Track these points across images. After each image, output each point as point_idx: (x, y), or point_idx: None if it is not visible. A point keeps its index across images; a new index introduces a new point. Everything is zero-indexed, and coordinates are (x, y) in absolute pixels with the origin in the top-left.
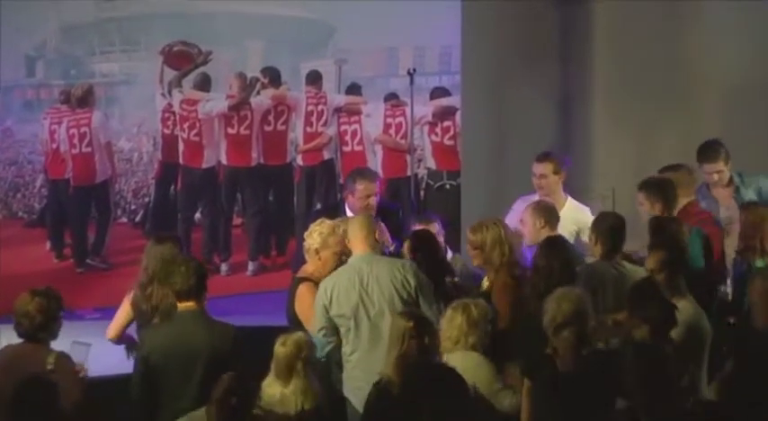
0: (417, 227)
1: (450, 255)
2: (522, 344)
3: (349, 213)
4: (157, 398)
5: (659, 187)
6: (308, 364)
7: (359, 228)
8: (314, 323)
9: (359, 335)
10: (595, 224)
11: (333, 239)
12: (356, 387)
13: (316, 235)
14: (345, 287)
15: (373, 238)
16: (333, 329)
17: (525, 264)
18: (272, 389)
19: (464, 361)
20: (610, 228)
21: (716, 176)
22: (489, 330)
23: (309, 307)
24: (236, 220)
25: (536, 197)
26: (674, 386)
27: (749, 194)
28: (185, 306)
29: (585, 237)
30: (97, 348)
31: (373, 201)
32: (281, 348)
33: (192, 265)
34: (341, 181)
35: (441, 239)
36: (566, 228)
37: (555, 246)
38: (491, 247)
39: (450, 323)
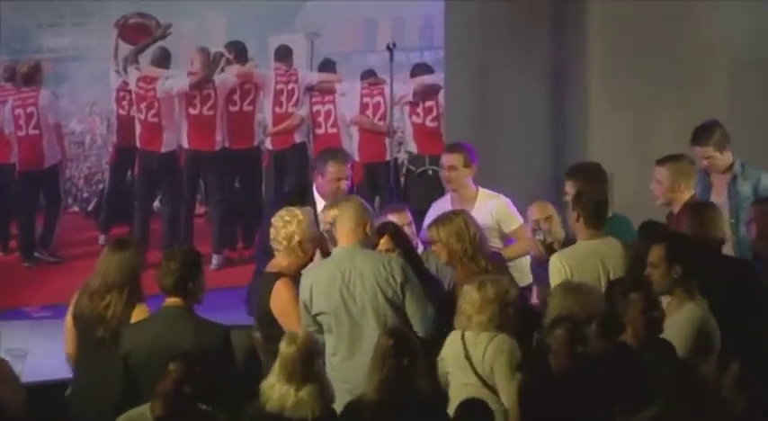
0: (389, 216)
1: (420, 248)
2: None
3: (317, 197)
4: (138, 400)
5: (587, 172)
6: (323, 364)
7: (348, 217)
8: (302, 321)
9: (340, 335)
10: (577, 199)
11: (310, 226)
12: (335, 388)
13: (296, 224)
14: (326, 283)
15: (363, 231)
16: (320, 326)
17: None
18: (276, 392)
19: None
20: (593, 201)
21: (705, 162)
22: (510, 312)
23: (287, 303)
24: (199, 209)
25: (449, 198)
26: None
27: (745, 187)
28: (171, 302)
29: (512, 226)
30: (48, 350)
31: (344, 184)
32: (292, 348)
33: (178, 260)
34: (313, 166)
35: (413, 229)
36: (485, 221)
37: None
38: (447, 240)
39: (464, 298)
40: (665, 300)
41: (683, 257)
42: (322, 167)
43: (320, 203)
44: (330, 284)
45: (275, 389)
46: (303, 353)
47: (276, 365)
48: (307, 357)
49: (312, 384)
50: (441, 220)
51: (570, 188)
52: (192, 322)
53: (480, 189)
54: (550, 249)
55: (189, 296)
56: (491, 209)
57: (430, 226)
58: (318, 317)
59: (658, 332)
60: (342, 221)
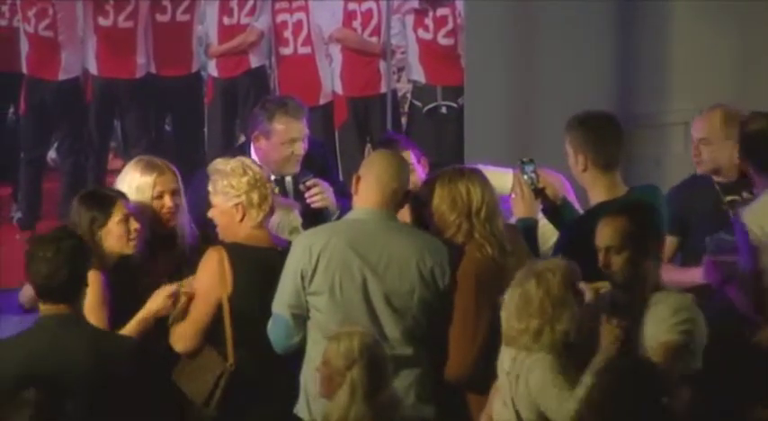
0: None
1: None
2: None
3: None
4: None
5: (590, 129)
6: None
7: (384, 169)
8: (279, 297)
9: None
10: (745, 130)
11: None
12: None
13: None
14: (341, 254)
15: (397, 195)
16: (303, 316)
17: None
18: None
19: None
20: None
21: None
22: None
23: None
24: (113, 163)
25: None
26: None
27: None
28: (50, 310)
29: None
30: None
31: (300, 148)
32: (355, 344)
33: (63, 247)
34: (252, 124)
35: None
36: None
37: None
38: (438, 205)
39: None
40: None
41: (654, 229)
42: (266, 126)
43: None
44: (349, 258)
45: (351, 414)
46: (379, 353)
47: (346, 382)
48: (384, 361)
49: (387, 395)
50: (439, 177)
51: (567, 147)
52: (86, 335)
53: None
54: (543, 196)
55: (77, 301)
56: None
57: (426, 180)
58: (312, 298)
59: None
60: (375, 174)
